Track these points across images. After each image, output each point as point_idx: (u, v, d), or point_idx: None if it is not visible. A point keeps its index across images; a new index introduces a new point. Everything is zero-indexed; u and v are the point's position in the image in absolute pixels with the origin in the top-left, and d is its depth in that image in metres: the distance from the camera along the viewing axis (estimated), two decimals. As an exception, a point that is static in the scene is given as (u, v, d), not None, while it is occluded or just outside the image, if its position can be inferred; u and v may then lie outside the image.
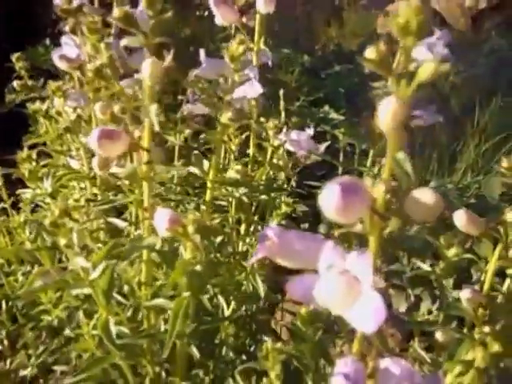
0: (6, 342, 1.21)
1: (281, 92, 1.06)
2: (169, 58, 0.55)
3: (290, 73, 2.95)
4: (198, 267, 0.57)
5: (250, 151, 0.98)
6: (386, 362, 0.45)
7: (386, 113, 0.36)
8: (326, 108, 2.75)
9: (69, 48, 1.06)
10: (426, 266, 0.77)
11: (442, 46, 0.99)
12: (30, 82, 1.21)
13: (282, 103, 1.06)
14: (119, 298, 0.78)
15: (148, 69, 0.54)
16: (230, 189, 0.96)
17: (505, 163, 0.61)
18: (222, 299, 0.82)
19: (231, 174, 0.76)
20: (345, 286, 0.38)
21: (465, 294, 0.65)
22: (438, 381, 0.42)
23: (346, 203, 0.35)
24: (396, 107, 0.36)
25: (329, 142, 2.17)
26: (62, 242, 0.58)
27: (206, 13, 3.21)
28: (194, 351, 0.80)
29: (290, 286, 0.40)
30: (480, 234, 0.65)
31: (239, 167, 0.76)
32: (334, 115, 2.65)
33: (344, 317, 0.37)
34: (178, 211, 0.76)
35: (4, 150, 1.17)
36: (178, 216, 0.54)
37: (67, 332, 0.99)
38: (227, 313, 0.81)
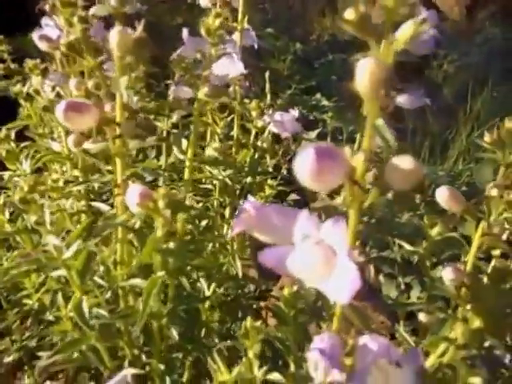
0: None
1: (266, 74, 1.03)
2: (139, 29, 0.52)
3: (282, 61, 2.92)
4: (172, 245, 0.55)
5: (234, 133, 0.95)
6: (364, 339, 0.44)
7: (364, 73, 0.34)
8: (318, 96, 2.73)
9: (50, 29, 1.03)
10: (409, 246, 0.76)
11: (429, 27, 0.96)
12: (12, 66, 1.17)
13: (267, 86, 1.04)
14: (98, 280, 0.76)
15: (116, 38, 0.51)
16: (214, 171, 0.93)
17: (487, 138, 0.59)
18: (202, 281, 0.80)
19: (210, 151, 0.73)
20: (319, 256, 0.36)
21: (447, 273, 0.64)
22: (417, 357, 0.41)
23: (320, 167, 0.33)
24: (374, 67, 0.34)
25: (320, 129, 2.15)
26: (33, 218, 0.56)
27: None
28: (173, 334, 0.79)
29: (263, 255, 0.38)
30: (462, 211, 0.64)
31: (217, 145, 0.74)
32: (325, 103, 2.63)
33: (318, 288, 0.35)
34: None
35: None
36: (149, 191, 0.52)
37: (48, 316, 0.97)
38: (208, 293, 0.79)
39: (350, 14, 0.37)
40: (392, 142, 0.36)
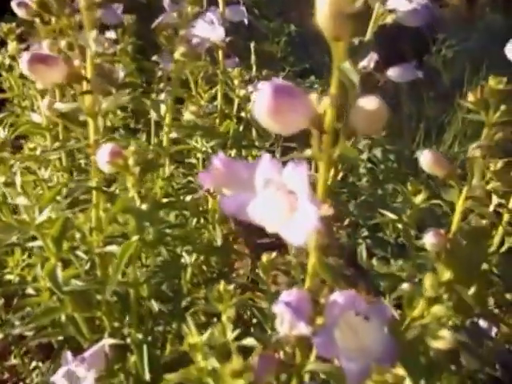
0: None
1: (252, 45, 1.01)
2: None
3: (276, 43, 2.89)
4: (144, 206, 0.54)
5: (218, 103, 0.94)
6: (334, 296, 0.43)
7: (323, 3, 0.32)
8: (312, 78, 2.70)
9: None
10: (391, 215, 0.75)
11: (422, -4, 0.94)
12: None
13: (252, 57, 1.02)
14: (76, 251, 0.75)
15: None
16: (198, 143, 0.92)
17: (471, 97, 0.57)
18: (184, 253, 0.79)
19: (187, 116, 0.72)
20: (280, 201, 0.35)
21: (429, 238, 0.63)
22: (385, 310, 0.40)
23: (278, 104, 0.32)
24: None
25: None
26: (1, 179, 0.55)
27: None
28: (154, 305, 0.78)
29: (223, 202, 0.37)
30: (446, 176, 0.63)
31: (195, 108, 0.72)
32: (317, 86, 2.60)
33: (278, 232, 0.34)
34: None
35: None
36: (119, 149, 0.50)
37: (28, 290, 0.96)
38: (188, 262, 0.79)
39: None
40: (356, 83, 0.35)
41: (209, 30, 0.77)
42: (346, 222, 1.30)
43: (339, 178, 1.14)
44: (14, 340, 1.21)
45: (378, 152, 2.48)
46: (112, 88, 0.53)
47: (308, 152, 0.43)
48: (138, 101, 0.83)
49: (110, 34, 1.39)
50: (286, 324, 0.40)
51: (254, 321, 0.78)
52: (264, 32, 2.95)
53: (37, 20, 0.98)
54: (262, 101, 0.31)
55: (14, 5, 0.97)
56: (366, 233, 1.83)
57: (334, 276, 0.46)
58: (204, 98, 0.99)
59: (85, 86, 0.53)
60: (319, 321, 0.45)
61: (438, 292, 0.40)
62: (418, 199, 0.69)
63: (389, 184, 1.23)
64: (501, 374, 1.12)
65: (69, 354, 0.69)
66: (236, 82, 0.89)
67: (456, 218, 0.63)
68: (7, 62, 1.08)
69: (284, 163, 0.41)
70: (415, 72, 1.08)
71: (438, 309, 0.45)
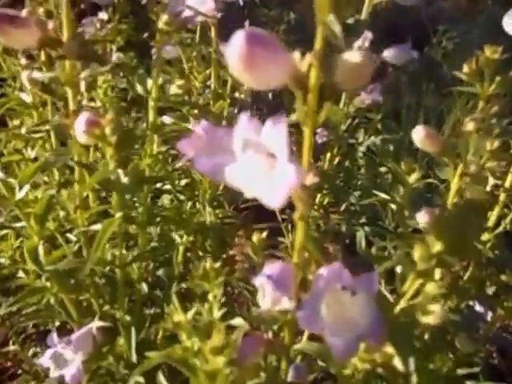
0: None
1: (246, 23, 0.98)
2: None
3: (275, 32, 2.85)
4: (126, 180, 0.51)
5: (212, 83, 0.91)
6: (320, 270, 0.40)
7: None
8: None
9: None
10: (385, 195, 0.72)
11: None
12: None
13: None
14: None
15: None
16: (189, 126, 0.89)
17: (465, 68, 0.54)
18: (175, 232, 0.76)
19: (173, 89, 0.69)
20: (259, 163, 0.33)
21: (421, 216, 0.60)
22: (372, 283, 0.38)
23: (253, 53, 0.29)
24: None
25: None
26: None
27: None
28: (144, 287, 0.76)
29: (198, 162, 0.34)
30: (439, 152, 0.60)
31: (180, 82, 0.69)
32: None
33: (255, 196, 0.32)
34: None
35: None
36: (96, 119, 0.48)
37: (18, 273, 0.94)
38: (179, 241, 0.76)
39: None
40: (340, 35, 0.32)
41: (199, 2, 0.74)
42: (343, 207, 1.28)
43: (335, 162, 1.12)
44: (13, 327, 1.20)
45: (377, 141, 2.45)
46: (89, 59, 0.50)
47: (292, 116, 0.40)
48: (127, 78, 0.81)
49: (103, 16, 1.36)
50: (268, 298, 0.37)
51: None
52: (264, 20, 2.91)
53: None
54: (235, 48, 0.29)
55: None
56: (364, 220, 1.81)
57: (319, 248, 0.44)
58: (198, 78, 0.96)
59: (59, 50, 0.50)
60: (305, 296, 0.43)
61: (429, 264, 0.37)
62: (412, 178, 0.67)
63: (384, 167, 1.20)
64: (498, 361, 1.10)
65: (55, 336, 0.67)
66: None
67: (451, 196, 0.61)
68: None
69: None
70: (411, 53, 1.05)
71: (431, 287, 0.42)
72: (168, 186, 0.89)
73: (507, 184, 0.66)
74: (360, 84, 0.32)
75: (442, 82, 3.07)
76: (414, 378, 0.39)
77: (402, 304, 0.41)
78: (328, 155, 1.06)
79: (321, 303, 0.38)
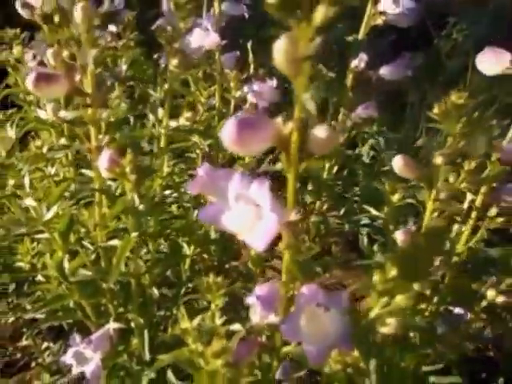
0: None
1: (248, 44, 1.08)
2: (106, 5, 0.58)
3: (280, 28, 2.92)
4: (141, 207, 0.62)
5: (216, 103, 1.01)
6: (303, 288, 0.51)
7: (279, 53, 0.40)
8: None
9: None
10: (374, 211, 0.83)
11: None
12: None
13: (250, 56, 1.09)
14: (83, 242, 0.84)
15: (79, 13, 0.57)
16: (197, 140, 1.00)
17: (436, 109, 0.64)
18: (184, 244, 0.88)
19: (181, 121, 0.80)
20: (248, 212, 0.43)
21: (398, 235, 0.71)
22: (341, 300, 0.48)
23: (241, 137, 0.40)
24: (288, 47, 0.39)
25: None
26: (11, 182, 0.64)
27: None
28: (155, 292, 0.88)
29: (201, 212, 0.45)
30: (416, 178, 0.70)
31: (188, 114, 0.80)
32: (324, 72, 2.66)
33: (245, 240, 0.42)
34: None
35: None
36: (117, 157, 0.59)
37: (38, 277, 1.07)
38: (188, 252, 0.88)
39: None
40: (314, 113, 0.43)
41: (203, 37, 0.84)
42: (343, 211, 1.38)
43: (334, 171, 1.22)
44: (26, 322, 1.33)
45: (381, 140, 2.54)
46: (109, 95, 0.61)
47: (278, 165, 0.51)
48: (139, 99, 0.91)
49: (112, 28, 1.47)
50: (257, 315, 0.49)
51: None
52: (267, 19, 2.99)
53: (41, 23, 1.06)
54: (227, 134, 0.39)
55: (18, 6, 1.05)
56: (366, 220, 1.91)
57: (303, 272, 0.55)
58: (203, 94, 1.06)
59: (85, 99, 0.61)
60: (291, 310, 0.54)
61: (386, 287, 0.48)
62: (395, 198, 0.77)
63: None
64: (493, 353, 1.22)
65: (77, 336, 0.79)
66: (232, 84, 0.96)
67: (427, 216, 0.71)
68: (12, 60, 1.16)
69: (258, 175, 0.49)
70: (406, 70, 1.14)
71: (400, 299, 0.53)
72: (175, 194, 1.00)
73: (478, 203, 0.76)
74: (326, 151, 0.43)
75: (449, 75, 3.13)
76: (373, 377, 0.50)
77: (369, 316, 0.52)
78: (327, 165, 1.17)
79: (300, 317, 0.49)
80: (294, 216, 0.51)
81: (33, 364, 1.40)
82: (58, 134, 1.04)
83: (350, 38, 1.23)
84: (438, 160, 0.65)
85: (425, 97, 2.77)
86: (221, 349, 0.51)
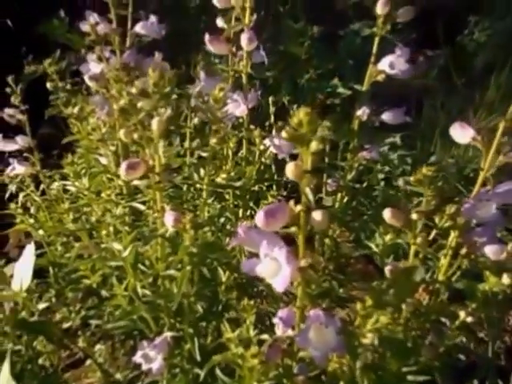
0: (53, 300, 1.59)
1: (270, 99, 1.35)
2: (167, 113, 0.85)
3: (300, 44, 3.16)
4: (195, 249, 0.90)
5: (243, 153, 1.29)
6: (310, 312, 0.78)
7: (289, 169, 0.67)
8: (335, 81, 2.99)
9: (94, 65, 1.38)
10: (374, 246, 1.09)
11: (402, 62, 1.25)
12: (61, 84, 1.54)
13: (271, 108, 1.36)
14: (144, 269, 1.13)
15: (155, 125, 0.85)
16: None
17: (414, 177, 0.90)
18: (220, 269, 1.16)
19: (219, 180, 1.08)
20: (272, 266, 0.71)
21: (386, 270, 0.97)
22: (336, 321, 0.74)
23: (267, 222, 0.67)
24: (294, 168, 0.66)
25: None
26: (103, 232, 0.92)
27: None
28: (199, 308, 1.16)
29: (243, 264, 0.73)
30: (402, 226, 0.96)
31: (224, 175, 1.08)
32: (341, 90, 2.90)
33: (271, 283, 0.70)
34: (184, 206, 1.09)
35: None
36: (180, 216, 0.87)
37: (103, 293, 1.36)
38: (224, 279, 1.16)
39: (286, 132, 0.69)
40: (312, 202, 0.69)
41: (234, 106, 1.11)
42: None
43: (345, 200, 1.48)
44: (81, 326, 1.63)
45: (395, 155, 2.78)
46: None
47: (292, 229, 0.78)
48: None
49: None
50: (280, 330, 0.76)
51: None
52: (289, 34, 3.24)
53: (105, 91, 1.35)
54: (258, 220, 0.67)
55: (86, 77, 1.34)
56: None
57: (311, 301, 0.82)
58: (230, 146, 1.32)
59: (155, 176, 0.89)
60: (302, 326, 0.81)
61: (365, 312, 0.74)
62: (387, 238, 1.03)
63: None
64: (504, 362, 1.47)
65: (145, 342, 1.08)
66: (257, 140, 1.23)
67: (410, 255, 0.97)
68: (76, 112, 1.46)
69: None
70: (404, 117, 1.39)
71: (383, 318, 0.80)
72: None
73: (452, 243, 1.01)
74: (320, 228, 0.70)
75: (472, 77, 3.28)
76: (358, 373, 0.76)
77: (357, 331, 0.78)
78: (338, 196, 1.43)
79: (309, 332, 0.75)
80: (303, 263, 0.78)
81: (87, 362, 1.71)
82: (119, 178, 1.33)
83: (357, 87, 1.49)
84: (414, 216, 0.90)
85: (441, 105, 2.96)
86: (256, 352, 0.78)
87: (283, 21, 3.34)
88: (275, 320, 0.77)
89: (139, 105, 0.89)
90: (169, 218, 0.88)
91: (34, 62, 3.03)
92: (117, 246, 0.96)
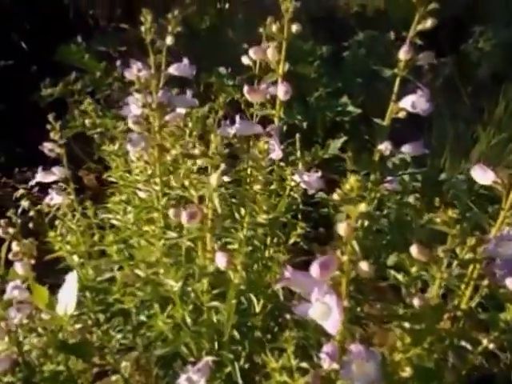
0: (90, 322, 1.70)
1: (297, 136, 1.46)
2: (220, 172, 0.96)
3: (309, 63, 3.27)
4: (242, 287, 1.02)
5: (274, 186, 1.40)
6: (352, 346, 0.89)
7: (341, 228, 0.78)
8: (344, 99, 3.10)
9: (134, 107, 1.49)
10: (400, 278, 1.19)
11: (424, 102, 1.35)
12: (98, 121, 1.66)
13: (297, 145, 1.47)
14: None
15: (213, 180, 0.96)
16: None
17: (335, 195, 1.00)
18: (254, 299, 1.27)
19: (259, 219, 1.19)
20: (323, 310, 0.82)
21: (415, 301, 1.08)
22: (376, 355, 0.85)
23: (322, 273, 0.78)
24: (345, 227, 0.77)
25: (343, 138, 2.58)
26: (162, 271, 1.04)
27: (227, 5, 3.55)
28: (236, 334, 1.27)
29: (296, 309, 0.84)
30: (428, 260, 1.07)
31: (264, 216, 1.19)
32: (351, 108, 3.02)
33: (323, 325, 0.81)
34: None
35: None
36: (231, 258, 0.98)
37: (141, 317, 1.47)
38: (258, 308, 1.27)
39: (338, 195, 0.80)
40: (358, 253, 0.80)
41: (271, 151, 1.23)
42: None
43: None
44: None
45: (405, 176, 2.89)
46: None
47: (336, 273, 0.89)
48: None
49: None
50: (326, 363, 0.87)
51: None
52: (297, 54, 3.35)
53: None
54: (314, 271, 0.78)
55: (130, 121, 1.45)
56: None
57: (352, 336, 0.93)
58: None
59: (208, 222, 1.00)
60: (345, 358, 0.92)
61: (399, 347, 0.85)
62: (413, 269, 1.14)
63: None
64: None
65: (189, 366, 1.19)
66: (288, 177, 1.34)
67: (435, 288, 1.08)
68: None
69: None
70: (423, 149, 1.50)
71: (417, 350, 0.91)
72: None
73: (473, 273, 1.12)
74: (365, 276, 0.81)
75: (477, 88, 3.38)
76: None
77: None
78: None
79: (351, 365, 0.86)
80: (345, 303, 0.89)
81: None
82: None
83: (377, 121, 1.60)
84: (441, 254, 1.01)
85: (449, 130, 3.07)
86: (304, 382, 0.90)
87: (292, 41, 3.44)
88: (321, 355, 0.88)
89: (199, 163, 1.00)
90: (221, 259, 0.99)
91: (50, 84, 3.16)
92: (171, 282, 1.07)
